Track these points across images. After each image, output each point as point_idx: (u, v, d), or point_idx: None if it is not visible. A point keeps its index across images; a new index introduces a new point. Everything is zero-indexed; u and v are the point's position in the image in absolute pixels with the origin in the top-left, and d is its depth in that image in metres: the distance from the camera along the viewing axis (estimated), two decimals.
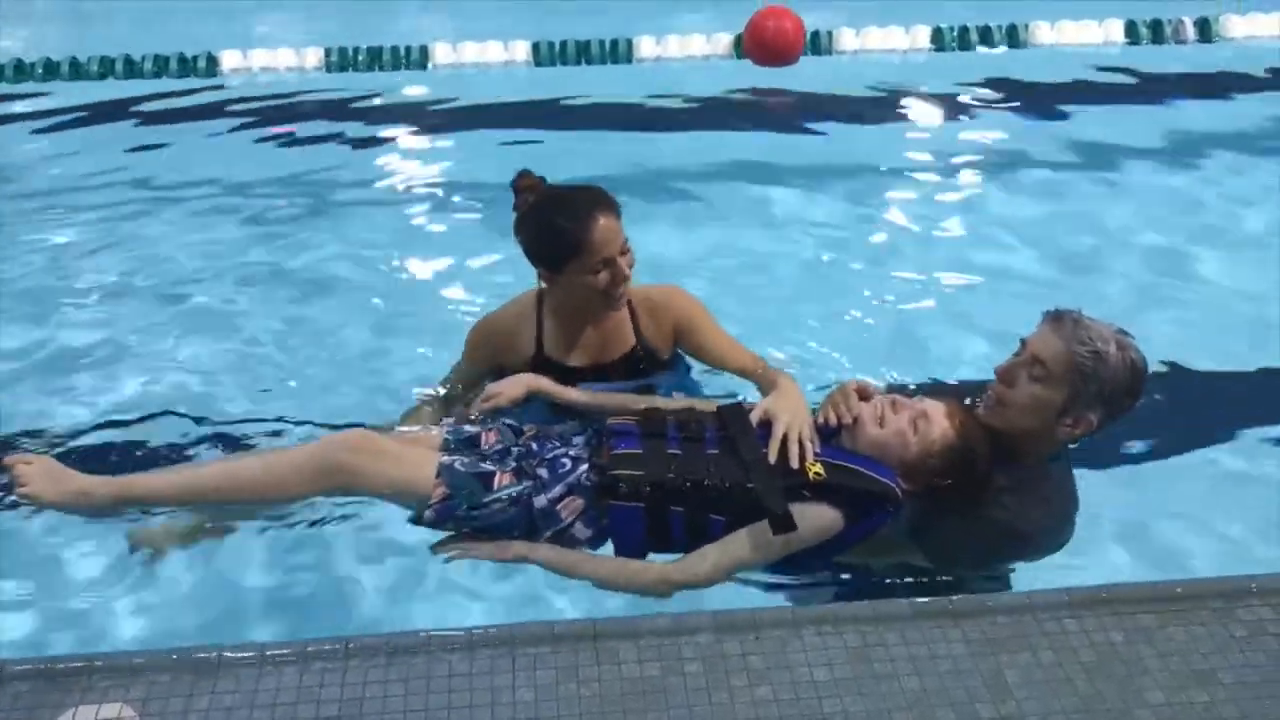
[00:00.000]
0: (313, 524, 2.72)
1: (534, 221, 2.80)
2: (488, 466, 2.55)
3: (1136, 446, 3.30)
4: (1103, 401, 2.47)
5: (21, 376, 3.79)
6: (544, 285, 2.95)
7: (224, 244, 4.86)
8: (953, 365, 3.79)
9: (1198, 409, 3.61)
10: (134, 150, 5.86)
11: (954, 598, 2.37)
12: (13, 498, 2.59)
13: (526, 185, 2.84)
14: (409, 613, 2.63)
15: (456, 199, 5.38)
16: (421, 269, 4.65)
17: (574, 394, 2.82)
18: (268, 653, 2.24)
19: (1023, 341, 2.57)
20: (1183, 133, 6.09)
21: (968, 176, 5.65)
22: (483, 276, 4.42)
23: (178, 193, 5.37)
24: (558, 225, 2.74)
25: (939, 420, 2.52)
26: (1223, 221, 5.04)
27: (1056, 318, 2.52)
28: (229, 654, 2.23)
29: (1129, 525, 3.00)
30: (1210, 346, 3.95)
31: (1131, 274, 4.53)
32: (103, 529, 2.64)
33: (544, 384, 2.82)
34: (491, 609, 2.62)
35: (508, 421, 2.71)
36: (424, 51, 6.68)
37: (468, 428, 2.68)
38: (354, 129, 6.21)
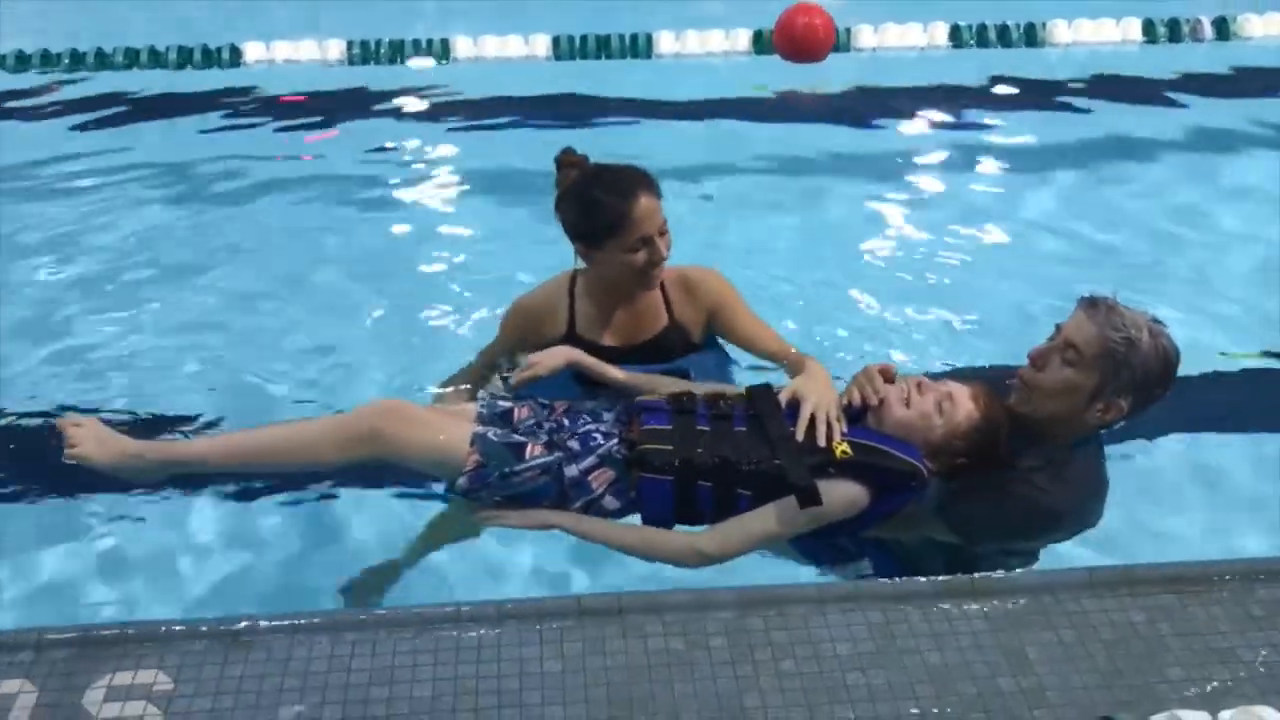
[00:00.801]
0: (340, 500, 2.76)
1: (577, 197, 2.83)
2: (519, 438, 2.60)
3: (1158, 434, 3.33)
4: (1134, 388, 2.49)
5: (51, 361, 3.86)
6: (579, 266, 2.99)
7: (247, 231, 4.94)
8: (972, 354, 3.82)
9: (1213, 401, 3.63)
10: (159, 140, 5.94)
11: (975, 576, 2.40)
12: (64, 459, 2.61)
13: (570, 162, 2.88)
14: (437, 587, 2.67)
15: (476, 189, 5.46)
16: (444, 256, 4.72)
17: (609, 370, 2.84)
18: (299, 623, 2.28)
19: (1057, 327, 2.59)
20: (1199, 130, 6.11)
21: (984, 171, 5.69)
22: (502, 262, 4.49)
23: (202, 182, 5.44)
24: (601, 201, 2.78)
25: (964, 402, 2.55)
26: (1240, 216, 5.06)
27: (1091, 304, 2.54)
28: (262, 624, 2.28)
29: (1149, 509, 3.03)
30: (1227, 341, 3.98)
31: (1148, 265, 4.56)
32: (139, 500, 2.69)
33: (581, 357, 2.84)
34: (519, 584, 2.66)
35: (540, 399, 2.75)
36: (445, 45, 6.74)
37: (501, 402, 2.72)
38: (376, 121, 6.27)
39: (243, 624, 2.27)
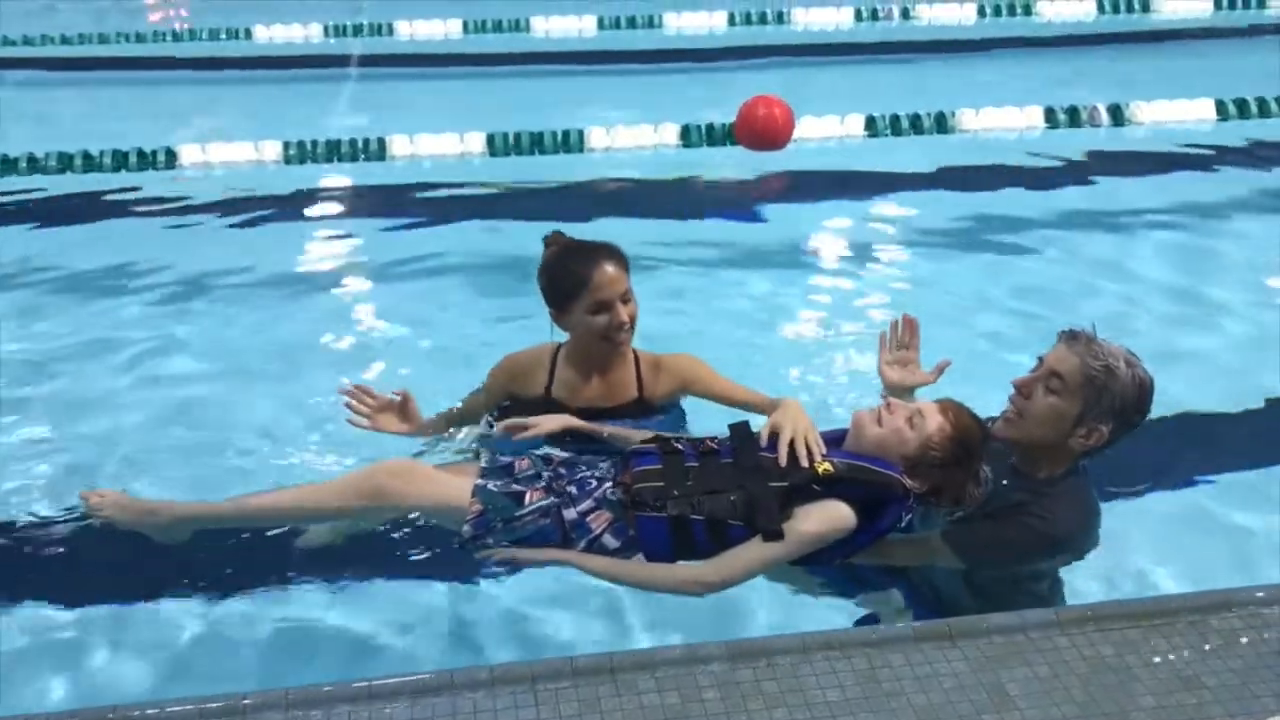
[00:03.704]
0: (329, 574, 2.80)
1: (550, 265, 3.13)
2: (518, 486, 2.74)
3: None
4: (1113, 414, 2.64)
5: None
6: (557, 337, 3.22)
7: (184, 333, 4.91)
8: None
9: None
10: (95, 245, 5.89)
11: (951, 620, 2.50)
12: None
13: (552, 241, 3.18)
14: (429, 654, 2.69)
15: (415, 282, 5.51)
16: (387, 346, 4.78)
17: (603, 428, 3.00)
18: (292, 696, 2.28)
19: (1040, 359, 2.75)
20: (1095, 207, 6.47)
21: (901, 247, 5.95)
22: (441, 348, 4.64)
23: (139, 285, 5.41)
24: (568, 267, 3.07)
25: (933, 416, 2.68)
26: (1135, 283, 5.41)
27: (1072, 336, 2.71)
28: (255, 699, 2.26)
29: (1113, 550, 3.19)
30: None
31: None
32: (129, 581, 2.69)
33: (577, 424, 3.00)
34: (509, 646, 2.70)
35: (538, 452, 2.89)
36: (381, 144, 6.85)
37: (503, 457, 2.86)
38: (313, 220, 6.33)
39: (233, 701, 2.26)
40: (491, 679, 2.33)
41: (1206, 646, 2.42)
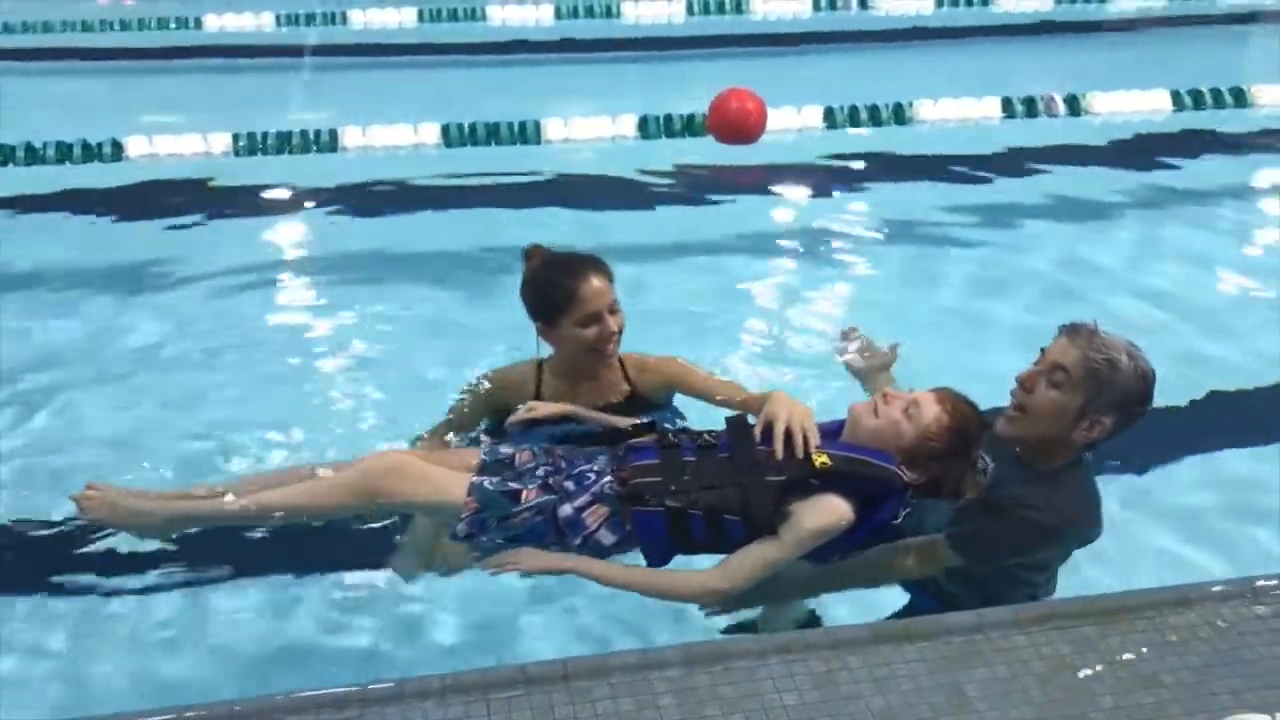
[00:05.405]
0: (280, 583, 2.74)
1: (535, 280, 3.08)
2: (515, 485, 2.71)
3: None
4: (1116, 406, 2.63)
5: None
6: (542, 355, 3.19)
7: (129, 330, 4.83)
8: None
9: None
10: (39, 239, 5.76)
11: (909, 620, 2.47)
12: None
13: (532, 254, 3.13)
14: (378, 663, 2.63)
15: (367, 277, 5.43)
16: (336, 341, 4.73)
17: (602, 416, 3.00)
18: (236, 709, 2.21)
19: (1042, 351, 2.72)
20: (1053, 197, 6.53)
21: (854, 241, 5.94)
22: (394, 345, 4.59)
23: (93, 281, 5.30)
24: (554, 281, 3.03)
25: (930, 406, 2.65)
26: (1094, 272, 5.47)
27: (1073, 329, 2.69)
28: (193, 713, 2.20)
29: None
30: None
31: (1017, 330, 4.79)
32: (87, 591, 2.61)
33: (577, 411, 3.00)
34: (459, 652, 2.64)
35: (541, 444, 2.87)
36: (333, 135, 6.73)
37: (503, 449, 2.84)
38: (262, 214, 6.21)
39: (176, 714, 2.19)
40: (443, 688, 2.27)
41: (1165, 644, 2.41)
